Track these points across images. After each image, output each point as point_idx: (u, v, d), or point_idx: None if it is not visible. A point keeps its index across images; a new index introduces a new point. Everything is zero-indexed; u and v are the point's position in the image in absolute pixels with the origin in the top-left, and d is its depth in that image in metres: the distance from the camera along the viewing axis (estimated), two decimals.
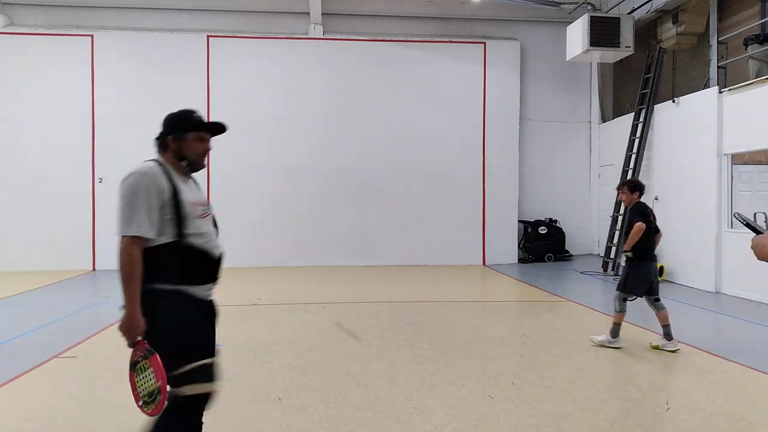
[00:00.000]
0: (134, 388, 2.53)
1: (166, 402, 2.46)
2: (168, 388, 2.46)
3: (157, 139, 2.82)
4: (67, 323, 7.01)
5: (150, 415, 2.50)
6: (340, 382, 4.67)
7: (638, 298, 5.81)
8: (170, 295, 2.56)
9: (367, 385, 4.59)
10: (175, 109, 2.91)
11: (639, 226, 5.53)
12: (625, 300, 5.75)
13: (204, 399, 2.62)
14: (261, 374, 4.89)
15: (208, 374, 2.61)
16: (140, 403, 2.53)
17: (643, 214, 5.66)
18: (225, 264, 2.85)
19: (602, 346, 5.77)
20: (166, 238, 2.55)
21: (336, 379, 4.74)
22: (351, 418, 3.92)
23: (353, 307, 7.99)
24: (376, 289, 9.72)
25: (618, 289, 5.80)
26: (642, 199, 5.93)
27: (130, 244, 2.47)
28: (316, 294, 9.11)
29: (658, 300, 5.77)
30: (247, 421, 3.88)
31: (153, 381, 2.43)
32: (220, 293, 2.76)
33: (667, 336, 5.64)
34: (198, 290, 2.67)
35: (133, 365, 2.52)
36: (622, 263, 5.93)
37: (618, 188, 6.09)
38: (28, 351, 5.69)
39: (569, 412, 4.02)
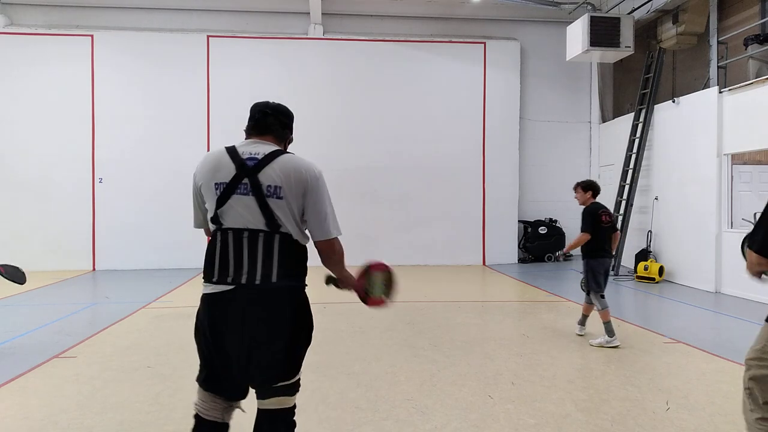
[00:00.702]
0: (380, 302, 2.79)
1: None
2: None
3: (286, 125, 2.56)
4: (67, 323, 7.01)
5: (380, 302, 2.79)
6: (340, 382, 4.67)
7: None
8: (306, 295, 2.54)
9: (367, 385, 4.59)
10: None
11: (583, 237, 5.88)
12: (602, 297, 5.95)
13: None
14: None
15: None
16: (383, 300, 2.79)
17: (593, 215, 5.90)
18: None
19: (601, 347, 5.80)
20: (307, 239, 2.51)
21: (336, 379, 4.74)
22: (351, 418, 3.92)
23: (353, 307, 7.97)
24: None
25: (588, 291, 6.05)
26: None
27: (337, 242, 2.55)
28: (315, 294, 9.08)
29: (596, 293, 6.03)
30: (247, 421, 3.87)
31: (380, 275, 2.75)
32: None
33: (609, 331, 5.86)
34: None
35: (367, 292, 2.76)
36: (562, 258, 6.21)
37: (574, 188, 6.34)
38: (28, 351, 5.69)
39: (569, 412, 4.02)
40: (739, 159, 9.63)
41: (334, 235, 2.46)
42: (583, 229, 5.91)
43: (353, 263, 10.30)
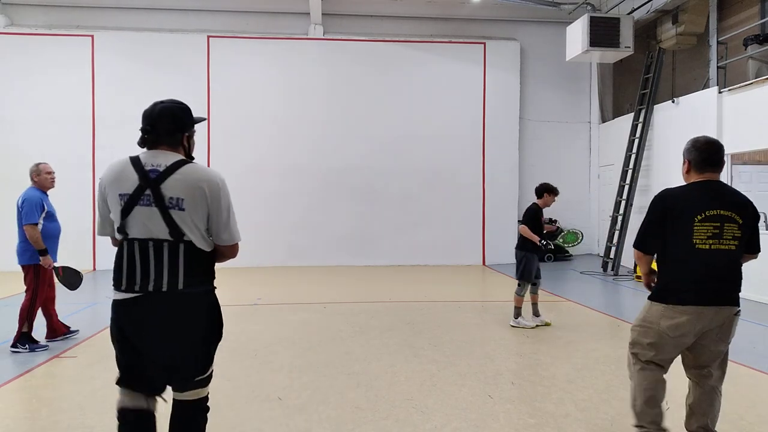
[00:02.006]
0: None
1: None
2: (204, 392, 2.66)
3: (181, 129, 2.58)
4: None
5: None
6: (340, 382, 4.67)
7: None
8: (216, 296, 2.67)
9: (367, 385, 4.59)
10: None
11: (523, 228, 6.78)
12: (534, 284, 6.76)
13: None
14: (261, 374, 4.90)
15: None
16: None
17: (533, 212, 6.91)
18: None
19: (538, 326, 6.62)
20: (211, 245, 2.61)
21: (336, 379, 4.75)
22: (351, 417, 3.93)
23: (353, 307, 7.99)
24: (376, 289, 9.72)
25: (518, 278, 6.77)
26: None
27: (237, 246, 2.68)
28: (316, 294, 9.12)
29: (536, 284, 6.86)
30: (247, 421, 3.89)
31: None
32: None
33: (536, 312, 6.80)
34: None
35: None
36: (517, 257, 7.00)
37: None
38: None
39: (569, 412, 4.02)
40: (738, 159, 9.63)
41: (235, 241, 2.60)
42: (524, 222, 6.83)
43: (353, 263, 10.31)
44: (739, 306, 3.14)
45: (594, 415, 3.98)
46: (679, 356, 3.24)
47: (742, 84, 8.89)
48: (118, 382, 2.58)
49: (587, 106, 14.08)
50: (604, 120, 13.79)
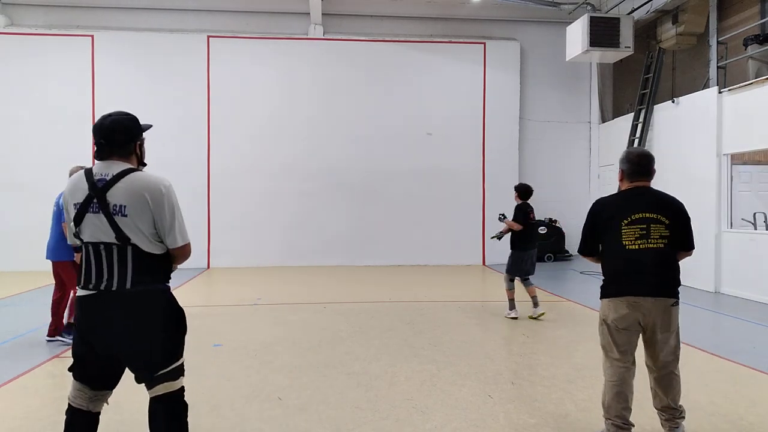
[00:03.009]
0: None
1: None
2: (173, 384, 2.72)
3: (129, 140, 2.71)
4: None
5: None
6: (340, 382, 4.67)
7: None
8: (171, 294, 2.78)
9: (367, 385, 4.60)
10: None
11: (510, 223, 7.16)
12: (511, 280, 7.15)
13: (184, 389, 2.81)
14: (261, 374, 4.90)
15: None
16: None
17: (524, 213, 7.08)
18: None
19: (515, 318, 7.03)
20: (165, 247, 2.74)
21: (336, 379, 4.75)
22: (351, 417, 3.93)
23: (353, 307, 7.99)
24: (376, 289, 9.72)
25: (506, 271, 7.24)
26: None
27: (188, 246, 2.75)
28: (316, 294, 9.12)
29: (527, 279, 7.19)
30: (247, 421, 3.89)
31: None
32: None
33: (535, 304, 7.14)
34: None
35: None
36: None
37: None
38: (28, 351, 5.69)
39: (569, 412, 4.03)
40: (738, 159, 9.64)
41: (180, 244, 2.69)
42: (514, 219, 7.12)
43: (353, 263, 10.29)
44: (675, 298, 3.37)
45: (594, 415, 3.98)
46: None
47: (742, 84, 8.89)
48: (70, 369, 2.74)
49: (587, 106, 14.08)
50: (604, 120, 13.79)
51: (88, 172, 2.65)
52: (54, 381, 4.73)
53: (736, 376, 4.91)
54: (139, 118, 2.81)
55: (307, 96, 12.87)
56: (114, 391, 2.83)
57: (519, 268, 7.12)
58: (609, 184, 12.67)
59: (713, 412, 4.05)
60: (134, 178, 2.61)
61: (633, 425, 3.40)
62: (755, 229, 9.50)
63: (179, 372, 2.73)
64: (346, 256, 12.77)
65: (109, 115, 2.73)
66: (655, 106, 11.25)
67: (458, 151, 13.16)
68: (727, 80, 9.40)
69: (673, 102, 10.59)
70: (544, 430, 3.72)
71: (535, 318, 7.11)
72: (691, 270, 9.88)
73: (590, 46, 10.39)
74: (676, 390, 3.44)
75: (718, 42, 9.52)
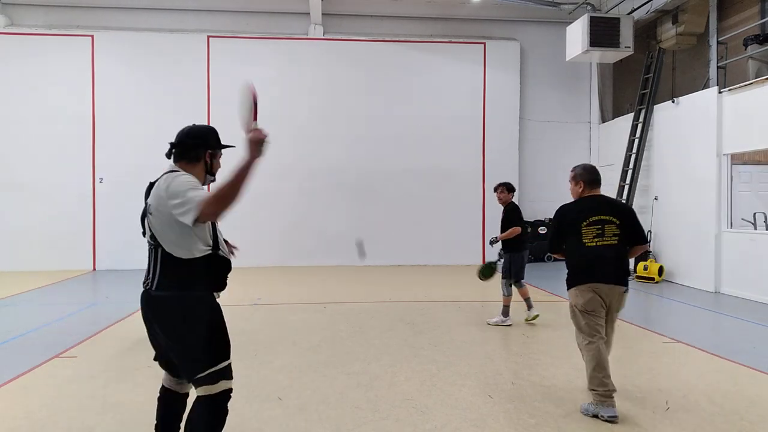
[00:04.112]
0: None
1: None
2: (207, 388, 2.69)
3: (194, 148, 2.76)
4: (67, 323, 7.02)
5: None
6: (340, 382, 4.67)
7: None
8: (208, 301, 2.70)
9: (367, 385, 4.59)
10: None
11: (516, 229, 6.79)
12: (510, 285, 6.76)
13: (229, 394, 2.76)
14: (261, 374, 4.90)
15: (231, 372, 2.77)
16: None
17: (519, 212, 6.91)
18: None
19: (497, 325, 6.65)
20: (204, 251, 2.64)
21: (336, 379, 4.75)
22: (351, 417, 3.93)
23: (353, 307, 7.99)
24: (376, 289, 9.72)
25: (503, 277, 6.81)
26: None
27: (203, 203, 2.44)
28: (315, 294, 9.12)
29: (518, 281, 6.84)
30: (247, 421, 3.89)
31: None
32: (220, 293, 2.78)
33: (529, 306, 6.89)
34: (217, 297, 2.79)
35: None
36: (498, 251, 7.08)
37: (495, 188, 7.32)
38: (28, 351, 5.70)
39: (569, 412, 4.02)
40: (738, 159, 9.64)
41: (200, 210, 2.42)
42: (516, 224, 6.83)
43: (353, 263, 10.29)
44: (626, 286, 4.07)
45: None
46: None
47: (742, 84, 8.89)
48: (155, 358, 2.91)
49: (587, 106, 14.08)
50: (604, 120, 13.79)
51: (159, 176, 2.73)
52: (54, 381, 4.73)
53: (736, 376, 4.91)
54: (219, 133, 2.89)
55: (307, 96, 12.86)
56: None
57: (521, 270, 6.82)
58: (609, 184, 12.62)
59: (713, 412, 4.05)
60: (164, 178, 2.61)
61: (615, 390, 3.91)
62: (755, 229, 9.50)
63: (219, 376, 2.66)
64: (346, 256, 12.76)
65: (194, 124, 2.90)
66: (655, 106, 11.26)
67: (458, 151, 13.16)
68: (727, 80, 9.40)
69: (673, 102, 10.59)
70: (544, 430, 3.72)
71: (530, 320, 6.92)
72: (691, 270, 9.94)
73: (590, 46, 10.39)
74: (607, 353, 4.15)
75: (718, 42, 9.52)
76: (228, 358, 2.71)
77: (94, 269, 12.26)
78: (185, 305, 2.62)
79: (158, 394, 2.96)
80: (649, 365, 5.22)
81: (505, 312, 6.77)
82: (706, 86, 9.82)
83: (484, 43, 13.25)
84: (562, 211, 4.31)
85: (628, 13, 11.00)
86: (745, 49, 8.96)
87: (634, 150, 11.55)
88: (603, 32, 10.38)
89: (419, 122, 13.06)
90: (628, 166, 11.68)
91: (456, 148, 13.14)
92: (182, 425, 2.83)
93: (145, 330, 2.82)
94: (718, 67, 9.47)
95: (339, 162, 12.91)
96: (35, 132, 12.13)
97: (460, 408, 4.11)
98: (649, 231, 11.08)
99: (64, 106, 12.20)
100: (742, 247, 8.90)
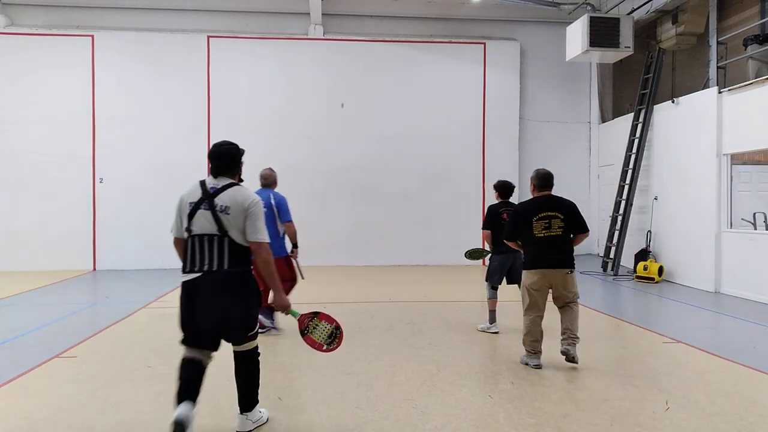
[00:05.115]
0: (314, 344, 3.76)
1: (342, 333, 3.82)
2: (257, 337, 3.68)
3: (236, 163, 3.67)
4: (67, 323, 7.02)
5: (335, 348, 3.81)
6: (341, 382, 4.68)
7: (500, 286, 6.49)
8: (253, 275, 3.63)
9: (367, 385, 4.60)
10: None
11: (484, 233, 6.53)
12: (494, 288, 6.43)
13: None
14: (261, 374, 4.88)
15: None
16: (324, 348, 3.77)
17: (491, 215, 6.47)
18: None
19: (483, 332, 6.39)
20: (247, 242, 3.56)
21: (336, 379, 4.75)
22: (351, 417, 3.93)
23: (353, 307, 8.00)
24: (376, 289, 9.73)
25: (486, 280, 6.55)
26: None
27: (264, 247, 3.53)
28: (315, 294, 9.11)
29: (492, 286, 6.45)
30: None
31: (328, 327, 3.77)
32: None
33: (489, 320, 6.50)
34: None
35: (303, 332, 3.77)
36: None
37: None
38: (28, 351, 5.70)
39: (569, 412, 4.03)
40: (738, 159, 9.64)
41: (260, 240, 3.51)
42: (483, 227, 6.55)
43: (354, 262, 10.26)
44: (569, 267, 5.06)
45: (594, 415, 3.98)
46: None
47: (742, 84, 8.89)
48: (182, 342, 3.54)
49: (587, 107, 14.08)
50: (604, 120, 13.79)
51: (203, 182, 3.55)
52: (54, 381, 4.73)
53: (736, 376, 4.92)
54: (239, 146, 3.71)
55: (307, 96, 12.86)
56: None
57: (496, 273, 6.41)
58: (609, 184, 12.68)
59: (713, 412, 4.05)
60: (237, 190, 3.55)
61: (541, 351, 5.09)
62: (755, 229, 9.50)
63: (257, 335, 3.67)
64: (346, 256, 12.76)
65: (221, 144, 3.66)
66: (654, 106, 11.26)
67: (458, 151, 13.16)
68: (726, 80, 9.40)
69: (673, 102, 10.59)
70: (544, 430, 3.72)
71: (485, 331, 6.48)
72: (690, 270, 9.94)
73: (590, 46, 10.39)
74: (573, 319, 5.06)
75: (717, 42, 9.52)
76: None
77: (95, 269, 12.26)
78: (250, 278, 3.56)
79: (181, 364, 3.51)
80: (648, 365, 5.22)
81: (490, 318, 6.45)
82: (705, 86, 9.83)
83: (484, 43, 13.25)
84: (518, 208, 5.43)
85: (628, 14, 11.00)
86: (745, 50, 8.96)
87: (634, 150, 11.55)
88: (603, 32, 10.38)
89: (419, 122, 13.05)
90: (627, 166, 11.69)
91: (456, 148, 13.14)
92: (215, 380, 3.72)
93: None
94: (717, 67, 9.47)
95: (339, 162, 12.91)
96: (35, 132, 12.13)
97: (460, 408, 4.11)
98: (649, 231, 11.09)
99: (64, 106, 12.20)
100: (742, 247, 8.90)
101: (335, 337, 3.75)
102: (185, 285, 3.46)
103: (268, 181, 6.71)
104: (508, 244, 5.36)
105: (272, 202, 6.36)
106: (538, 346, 5.05)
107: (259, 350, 3.70)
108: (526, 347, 5.12)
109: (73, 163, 12.24)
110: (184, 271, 3.47)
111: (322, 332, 3.74)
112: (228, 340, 3.56)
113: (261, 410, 3.81)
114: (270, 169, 6.84)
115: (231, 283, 3.44)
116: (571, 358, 4.98)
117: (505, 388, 4.56)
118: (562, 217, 5.04)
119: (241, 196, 3.51)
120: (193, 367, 3.49)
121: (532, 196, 5.30)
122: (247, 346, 3.61)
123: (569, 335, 5.03)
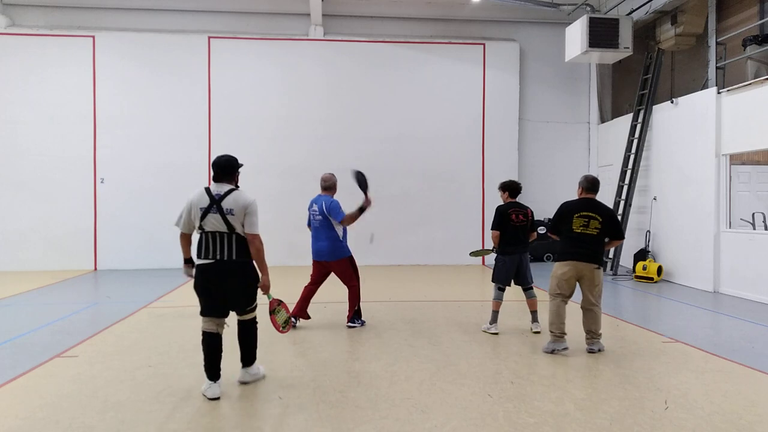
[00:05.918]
0: (275, 324, 4.69)
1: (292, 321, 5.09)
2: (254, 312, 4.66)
3: (233, 172, 4.50)
4: (67, 323, 7.03)
5: (285, 332, 4.83)
6: (341, 381, 4.69)
7: (509, 287, 6.50)
8: (253, 264, 4.53)
9: (367, 384, 4.61)
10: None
11: (492, 233, 6.42)
12: (500, 289, 6.40)
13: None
14: (262, 373, 4.90)
15: None
16: (280, 330, 4.74)
17: (500, 215, 6.34)
18: None
19: (484, 332, 6.38)
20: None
21: (336, 378, 4.76)
22: (351, 416, 3.94)
23: None
24: (376, 289, 9.73)
25: (491, 280, 6.51)
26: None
27: (258, 238, 4.41)
28: (315, 293, 9.11)
29: (528, 289, 6.47)
30: (247, 421, 3.90)
31: (285, 315, 4.82)
32: None
33: (534, 320, 6.45)
34: None
35: (271, 312, 4.68)
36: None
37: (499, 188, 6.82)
38: (28, 351, 5.71)
39: (568, 411, 4.04)
40: (737, 159, 9.66)
41: (254, 232, 4.41)
42: (492, 227, 6.44)
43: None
44: (598, 263, 5.54)
45: (593, 414, 4.00)
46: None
47: (741, 84, 8.91)
48: (201, 313, 4.44)
49: (586, 107, 14.10)
50: (603, 120, 13.81)
51: (207, 190, 4.39)
52: (54, 381, 4.74)
53: (736, 376, 4.93)
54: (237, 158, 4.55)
55: (307, 97, 12.88)
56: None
57: (502, 274, 6.39)
58: (608, 184, 12.68)
59: (712, 411, 4.06)
60: (238, 193, 4.40)
61: (566, 333, 5.54)
62: (754, 229, 9.51)
63: (255, 308, 4.63)
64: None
65: (222, 156, 4.52)
66: (654, 107, 11.28)
67: (458, 151, 13.18)
68: (726, 81, 9.42)
69: (672, 102, 10.61)
70: (543, 429, 3.74)
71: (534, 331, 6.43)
72: (689, 270, 9.96)
73: (589, 46, 10.40)
74: (595, 321, 5.58)
75: (717, 42, 9.54)
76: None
77: (95, 269, 12.27)
78: (252, 267, 4.48)
79: (203, 339, 4.39)
80: (648, 365, 5.24)
81: (492, 318, 6.42)
82: (705, 87, 9.84)
83: (484, 44, 13.27)
84: (564, 205, 5.82)
85: (627, 14, 11.02)
86: (744, 50, 8.98)
87: (633, 150, 11.57)
88: (602, 33, 10.39)
89: (419, 122, 13.07)
90: (627, 167, 11.71)
91: (456, 148, 13.16)
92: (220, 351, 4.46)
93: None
94: (717, 68, 9.48)
95: (339, 162, 12.86)
96: (36, 132, 12.15)
97: (460, 407, 4.12)
98: (648, 231, 11.11)
99: (65, 107, 12.21)
100: (741, 247, 8.92)
101: (287, 323, 4.81)
102: (201, 268, 4.36)
103: (328, 184, 6.88)
104: (551, 236, 5.83)
105: (324, 211, 6.63)
106: (564, 327, 5.51)
107: (257, 320, 4.65)
108: (553, 330, 5.50)
109: (74, 163, 12.25)
110: (200, 257, 4.36)
111: (281, 317, 4.75)
112: (233, 310, 4.51)
113: (259, 366, 4.76)
114: (331, 174, 7.03)
115: (236, 270, 4.38)
116: (597, 351, 5.57)
117: (504, 387, 4.57)
118: (600, 219, 5.51)
119: (242, 199, 4.38)
120: (212, 340, 4.38)
121: (577, 197, 5.77)
122: (248, 316, 4.59)
123: (593, 336, 5.59)
